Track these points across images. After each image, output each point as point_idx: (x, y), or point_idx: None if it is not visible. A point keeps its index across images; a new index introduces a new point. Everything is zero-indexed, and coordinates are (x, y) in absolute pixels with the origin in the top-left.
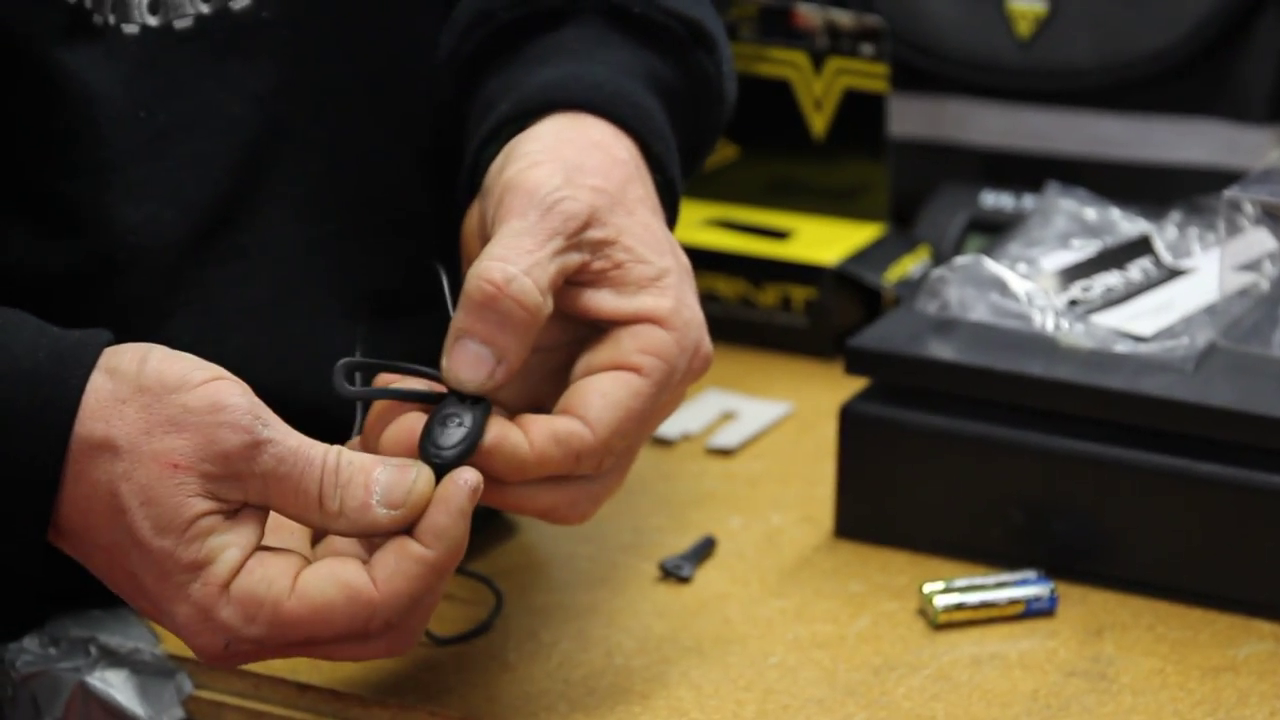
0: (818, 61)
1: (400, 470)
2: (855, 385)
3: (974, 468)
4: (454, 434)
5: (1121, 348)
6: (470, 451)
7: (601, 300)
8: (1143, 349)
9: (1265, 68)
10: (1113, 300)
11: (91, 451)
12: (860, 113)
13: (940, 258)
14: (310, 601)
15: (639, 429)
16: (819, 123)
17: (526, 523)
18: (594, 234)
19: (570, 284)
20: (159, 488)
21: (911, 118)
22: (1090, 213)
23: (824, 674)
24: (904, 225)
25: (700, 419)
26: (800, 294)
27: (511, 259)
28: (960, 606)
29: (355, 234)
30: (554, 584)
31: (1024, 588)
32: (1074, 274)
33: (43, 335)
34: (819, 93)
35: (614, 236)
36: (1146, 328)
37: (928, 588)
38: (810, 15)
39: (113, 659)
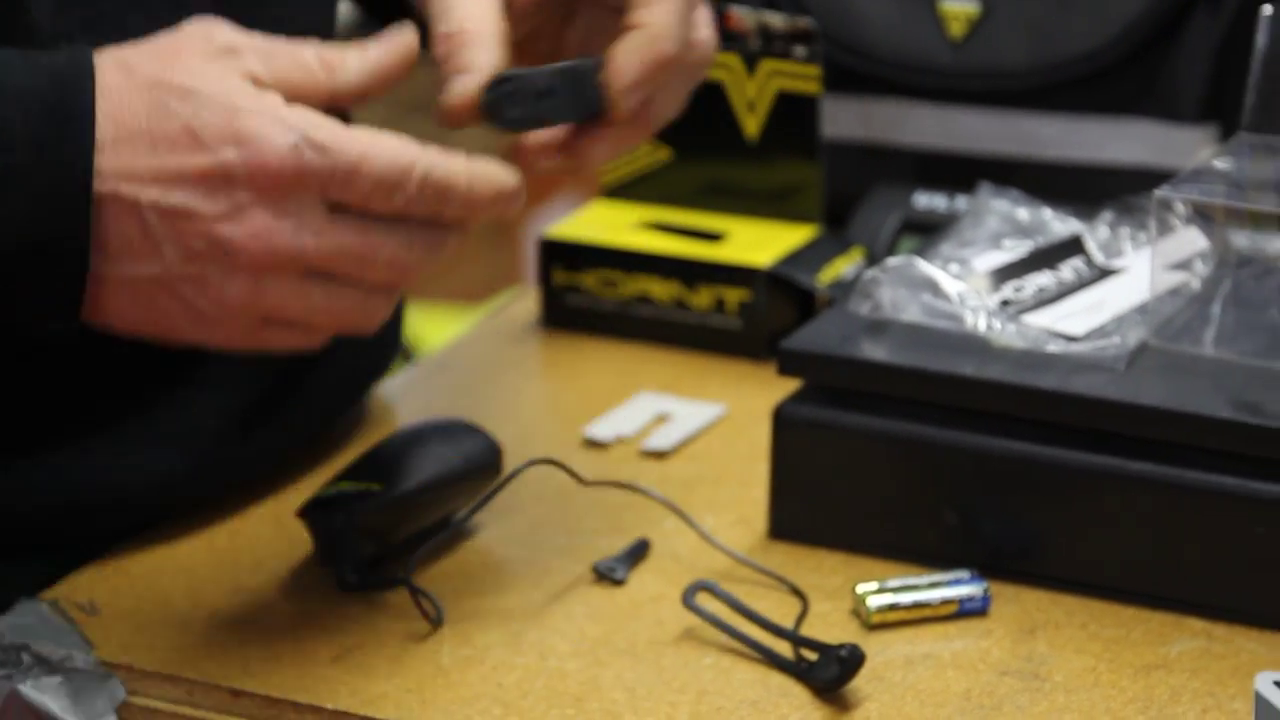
0: (750, 63)
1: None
2: (789, 386)
3: (907, 468)
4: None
5: (1053, 347)
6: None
7: None
8: (1074, 349)
9: (1196, 68)
10: (1045, 300)
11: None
12: (793, 114)
13: (873, 259)
14: (367, 134)
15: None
16: (752, 125)
17: (462, 527)
18: None
19: None
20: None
21: (844, 119)
22: (1022, 213)
23: (758, 675)
24: (837, 227)
25: (634, 421)
26: (734, 296)
27: (465, 14)
28: (894, 607)
29: None
30: (487, 587)
31: (957, 587)
32: (1006, 274)
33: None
34: (752, 95)
35: None
36: (1078, 327)
37: (861, 588)
38: (743, 17)
39: (45, 666)
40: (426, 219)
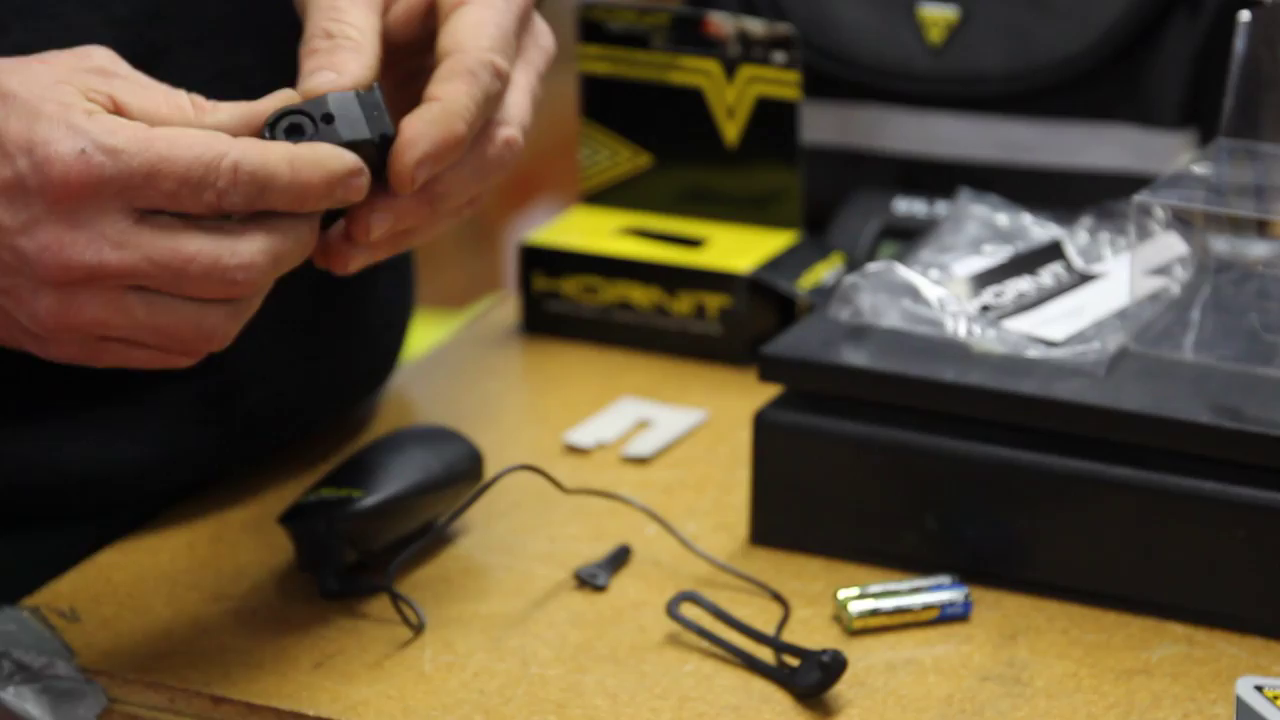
0: (730, 69)
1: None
2: (770, 392)
3: (888, 473)
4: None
5: (1033, 353)
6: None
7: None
8: (1054, 354)
9: (1175, 73)
10: (1024, 305)
11: None
12: (772, 120)
13: (853, 264)
14: (169, 131)
15: (505, 42)
16: (731, 131)
17: (443, 534)
18: None
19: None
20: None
21: (824, 125)
22: (1002, 218)
23: (740, 681)
24: (817, 232)
25: (615, 427)
26: (714, 302)
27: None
28: (875, 612)
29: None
30: (469, 594)
31: (938, 593)
32: (986, 279)
33: None
34: (731, 101)
35: None
36: (1058, 333)
37: (842, 594)
38: (722, 23)
39: (26, 674)
40: (256, 214)
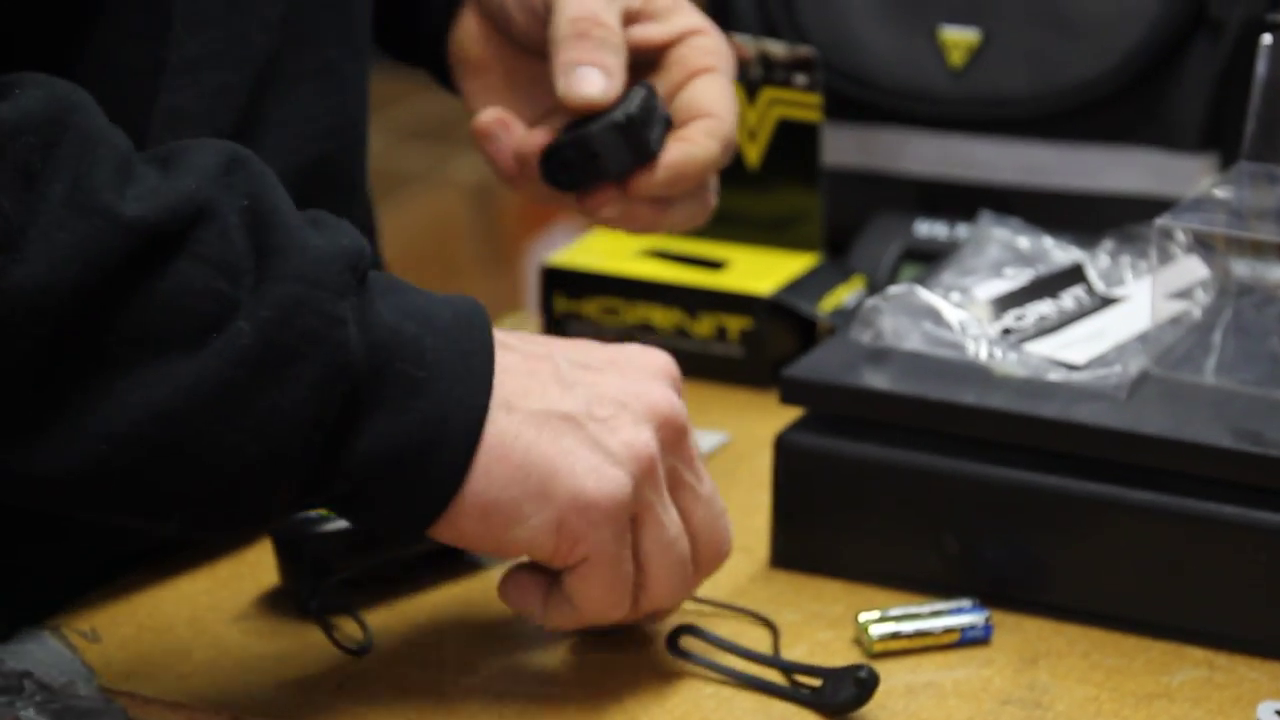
0: (751, 92)
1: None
2: (791, 415)
3: (909, 497)
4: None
5: (1054, 376)
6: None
7: (649, 32)
8: (1075, 377)
9: (1196, 96)
10: (1046, 329)
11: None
12: (794, 143)
13: (874, 287)
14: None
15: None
16: (753, 153)
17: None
18: None
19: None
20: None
21: (845, 147)
22: (1023, 241)
23: (759, 704)
24: (838, 255)
25: None
26: (735, 324)
27: (590, 5)
28: (895, 635)
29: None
30: (490, 616)
31: (959, 616)
32: (1007, 303)
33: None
34: (753, 123)
35: None
36: (1079, 356)
37: (863, 617)
38: (743, 46)
39: (48, 694)
40: None
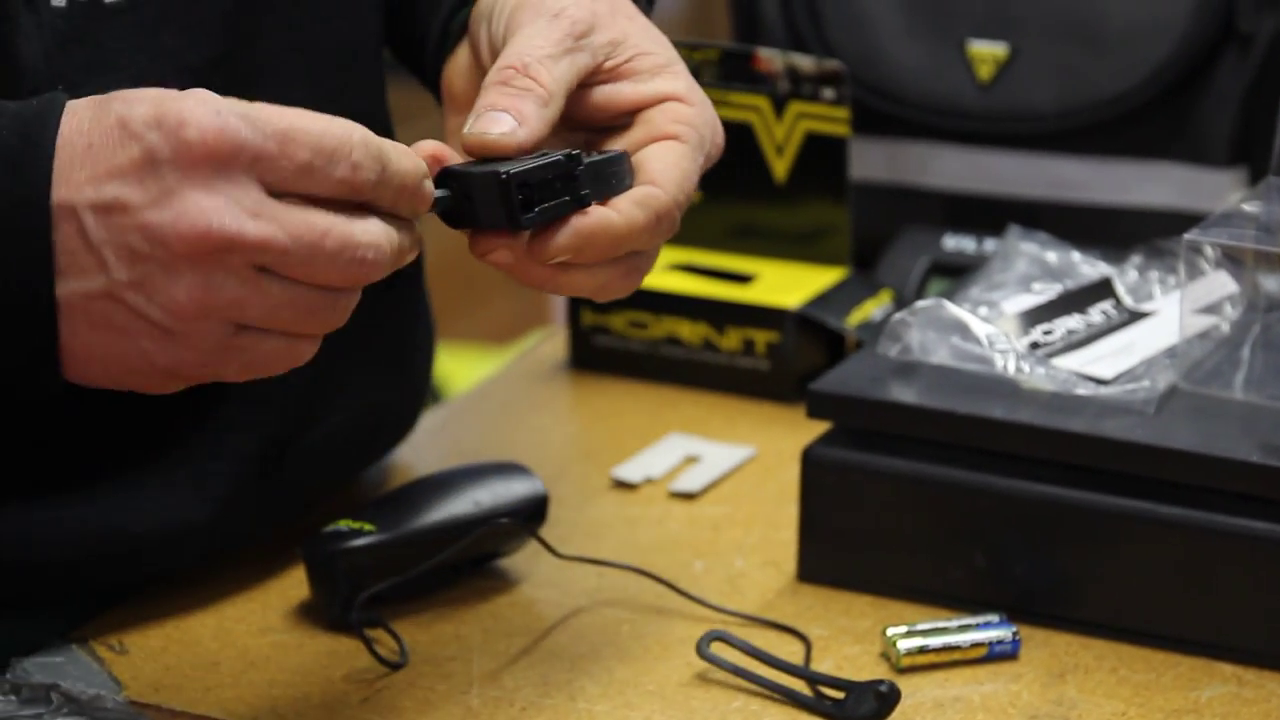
0: (779, 105)
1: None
2: (818, 429)
3: (936, 511)
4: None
5: (1083, 390)
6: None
7: (621, 91)
8: (1104, 392)
9: (1225, 111)
10: (1074, 343)
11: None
12: (821, 156)
13: (902, 301)
14: (298, 109)
15: (690, 192)
16: (780, 167)
17: (486, 571)
18: (600, 37)
19: (587, 86)
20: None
21: (873, 161)
22: (1051, 256)
23: (785, 716)
24: (866, 269)
25: (663, 463)
26: (762, 338)
27: (527, 51)
28: (923, 650)
29: None
30: (516, 629)
31: (987, 631)
32: (1035, 317)
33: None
34: (780, 137)
35: (620, 37)
36: (1107, 370)
37: (891, 631)
38: (771, 60)
39: (74, 706)
40: (376, 203)
